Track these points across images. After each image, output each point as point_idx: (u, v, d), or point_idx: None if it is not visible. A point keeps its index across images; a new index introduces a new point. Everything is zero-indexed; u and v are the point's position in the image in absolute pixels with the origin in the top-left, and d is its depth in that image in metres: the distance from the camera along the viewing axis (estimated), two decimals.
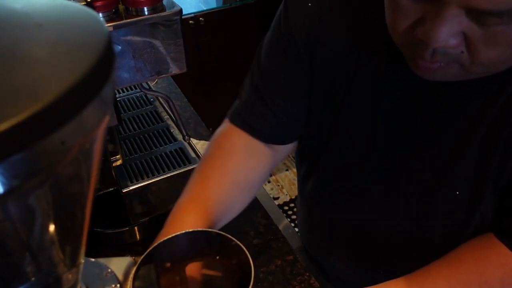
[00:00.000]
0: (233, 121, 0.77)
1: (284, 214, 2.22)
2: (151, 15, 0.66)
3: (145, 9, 0.66)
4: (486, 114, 0.60)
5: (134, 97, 1.04)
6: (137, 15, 0.66)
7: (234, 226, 0.96)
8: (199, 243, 0.78)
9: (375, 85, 0.67)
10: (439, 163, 0.65)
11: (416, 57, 0.54)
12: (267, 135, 0.77)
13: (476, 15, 0.44)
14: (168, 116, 0.97)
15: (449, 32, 0.46)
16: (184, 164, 0.83)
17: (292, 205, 2.31)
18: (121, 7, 0.67)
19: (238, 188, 0.75)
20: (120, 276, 0.64)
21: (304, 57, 0.71)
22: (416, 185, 0.69)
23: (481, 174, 0.62)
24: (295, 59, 0.72)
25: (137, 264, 0.68)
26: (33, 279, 0.35)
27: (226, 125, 0.79)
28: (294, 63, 0.72)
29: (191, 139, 0.86)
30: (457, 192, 0.64)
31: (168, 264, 0.77)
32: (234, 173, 0.74)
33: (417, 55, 0.53)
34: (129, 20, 0.65)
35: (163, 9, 0.68)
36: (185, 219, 0.68)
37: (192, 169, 0.81)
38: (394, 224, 0.74)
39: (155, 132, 0.92)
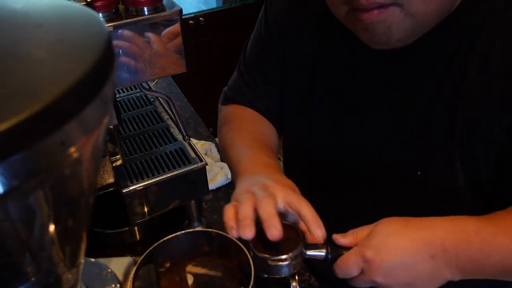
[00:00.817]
0: (232, 99, 0.90)
1: None
2: (151, 15, 0.66)
3: (145, 9, 0.66)
4: (440, 83, 0.63)
5: (134, 97, 1.04)
6: (137, 15, 0.66)
7: None
8: (199, 243, 0.78)
9: (338, 63, 0.74)
10: (408, 129, 0.68)
11: (356, 12, 0.57)
12: (261, 111, 0.87)
13: None
14: (168, 116, 0.97)
15: None
16: (184, 164, 0.83)
17: None
18: (121, 7, 0.67)
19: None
20: (120, 276, 0.64)
21: (278, 46, 0.82)
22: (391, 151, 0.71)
23: (448, 136, 0.64)
24: (271, 48, 0.83)
25: (137, 264, 0.68)
26: (33, 279, 0.35)
27: (225, 107, 0.91)
28: (271, 51, 0.83)
29: (191, 139, 0.86)
30: (432, 146, 0.66)
31: (168, 264, 0.77)
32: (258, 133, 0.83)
33: (356, 6, 0.56)
34: (129, 20, 0.65)
35: (163, 9, 0.67)
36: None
37: (192, 169, 0.82)
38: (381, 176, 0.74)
39: (155, 132, 0.92)
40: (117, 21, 0.65)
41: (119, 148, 0.83)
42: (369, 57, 0.69)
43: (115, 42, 0.66)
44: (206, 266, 0.77)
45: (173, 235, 0.75)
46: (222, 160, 1.13)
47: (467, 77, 0.61)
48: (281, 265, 0.56)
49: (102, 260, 0.65)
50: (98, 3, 0.63)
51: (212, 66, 2.25)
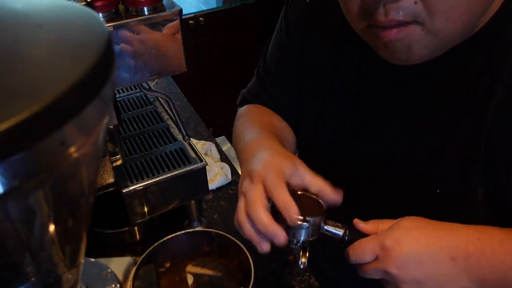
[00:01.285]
0: (251, 102, 0.89)
1: None
2: (151, 15, 0.66)
3: (145, 9, 0.66)
4: (465, 101, 0.61)
5: (134, 97, 1.04)
6: (137, 15, 0.66)
7: (234, 226, 0.96)
8: (199, 243, 0.78)
9: (356, 75, 0.72)
10: (427, 145, 0.66)
11: (375, 29, 0.55)
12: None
13: None
14: (168, 116, 0.97)
15: None
16: (184, 164, 0.83)
17: None
18: (121, 7, 0.67)
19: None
20: (120, 276, 0.64)
21: (298, 51, 0.80)
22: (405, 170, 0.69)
23: (469, 154, 0.61)
24: (291, 53, 0.82)
25: (137, 264, 0.68)
26: (33, 279, 0.35)
27: (242, 108, 0.90)
28: (291, 57, 0.82)
29: (191, 139, 0.86)
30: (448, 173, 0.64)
31: (168, 264, 0.77)
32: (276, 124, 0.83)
33: (374, 23, 0.54)
34: (129, 20, 0.65)
35: (163, 9, 0.67)
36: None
37: (192, 169, 0.82)
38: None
39: (155, 132, 0.92)
40: (117, 21, 0.65)
41: (119, 148, 0.83)
42: (389, 71, 0.66)
43: (115, 42, 0.66)
44: (206, 266, 0.77)
45: (173, 235, 0.75)
46: (222, 160, 1.13)
47: (495, 95, 0.58)
48: (300, 225, 0.55)
49: (102, 260, 0.65)
50: (98, 3, 0.63)
51: (212, 66, 2.25)
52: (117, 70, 0.68)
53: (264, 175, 0.57)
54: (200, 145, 1.13)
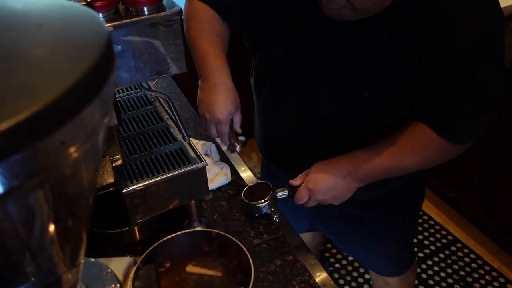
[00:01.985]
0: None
1: None
2: (151, 15, 0.66)
3: (145, 9, 0.66)
4: (378, 44, 0.82)
5: (134, 97, 1.04)
6: (137, 15, 0.66)
7: (234, 226, 0.96)
8: (199, 243, 0.78)
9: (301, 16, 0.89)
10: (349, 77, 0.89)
11: (321, 3, 0.79)
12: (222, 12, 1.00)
13: None
14: (168, 116, 0.97)
15: None
16: (184, 164, 0.83)
17: None
18: (121, 7, 0.67)
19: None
20: (120, 276, 0.64)
21: None
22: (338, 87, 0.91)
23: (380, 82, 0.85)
24: None
25: (137, 264, 0.68)
26: (33, 279, 0.35)
27: (191, 2, 1.00)
28: None
29: (191, 139, 0.86)
30: (365, 94, 0.88)
31: (168, 264, 0.77)
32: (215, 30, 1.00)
33: (321, 2, 0.79)
34: (129, 20, 0.65)
35: (163, 9, 0.68)
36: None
37: (192, 169, 0.82)
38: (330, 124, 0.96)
39: (155, 132, 0.92)
40: (117, 21, 0.65)
41: (119, 148, 0.83)
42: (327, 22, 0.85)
43: (115, 42, 0.66)
44: (206, 266, 0.77)
45: (173, 235, 0.75)
46: (222, 160, 1.13)
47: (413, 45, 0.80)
48: (262, 206, 0.93)
49: (102, 260, 0.65)
50: (98, 3, 0.63)
51: None
52: (117, 70, 0.68)
53: (219, 122, 0.92)
54: (200, 145, 1.13)
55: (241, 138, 0.97)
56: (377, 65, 0.84)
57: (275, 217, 0.95)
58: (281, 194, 0.95)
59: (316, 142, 0.99)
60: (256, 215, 0.95)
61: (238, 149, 0.96)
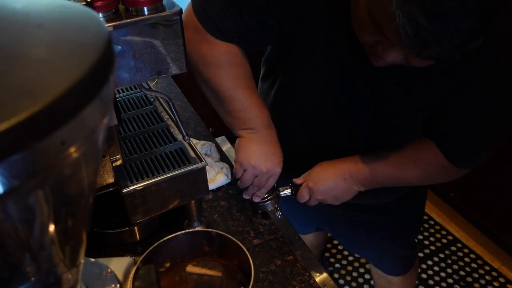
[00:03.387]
0: (210, 32, 0.82)
1: None
2: (151, 15, 0.66)
3: (145, 9, 0.66)
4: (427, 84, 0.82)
5: (134, 97, 1.03)
6: (137, 15, 0.66)
7: (234, 226, 0.96)
8: (199, 243, 0.78)
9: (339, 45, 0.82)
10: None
11: (370, 55, 0.74)
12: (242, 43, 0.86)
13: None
14: (168, 116, 0.97)
15: (396, 56, 0.69)
16: (184, 164, 0.83)
17: None
18: (121, 7, 0.67)
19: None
20: (120, 276, 0.64)
21: None
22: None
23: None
24: None
25: (137, 264, 0.68)
26: (33, 279, 0.35)
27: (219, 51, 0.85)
28: None
29: (191, 139, 0.86)
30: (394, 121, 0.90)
31: (168, 264, 0.77)
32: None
33: (371, 55, 0.74)
34: (129, 20, 0.65)
35: (163, 9, 0.67)
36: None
37: (192, 169, 0.82)
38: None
39: (155, 132, 0.92)
40: (117, 21, 0.65)
41: (119, 148, 0.83)
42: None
43: (115, 42, 0.65)
44: (206, 266, 0.77)
45: (173, 235, 0.75)
46: (222, 160, 1.13)
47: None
48: (266, 204, 0.95)
49: (102, 260, 0.65)
50: (98, 3, 0.63)
51: None
52: (117, 70, 0.68)
53: (257, 173, 0.90)
54: (200, 145, 1.13)
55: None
56: (415, 94, 0.84)
57: (278, 214, 0.97)
58: (284, 192, 0.97)
59: (324, 155, 0.98)
60: (260, 212, 0.97)
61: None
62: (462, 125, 0.84)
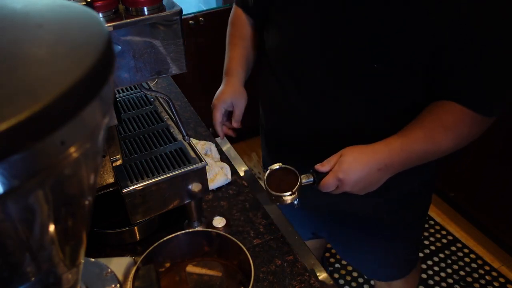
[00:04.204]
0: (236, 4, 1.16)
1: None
2: (151, 15, 0.66)
3: (145, 9, 0.66)
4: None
5: (134, 97, 1.04)
6: (137, 15, 0.66)
7: (234, 226, 0.96)
8: (199, 243, 0.78)
9: None
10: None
11: None
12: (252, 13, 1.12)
13: None
14: (168, 116, 0.97)
15: None
16: (184, 164, 0.83)
17: None
18: (121, 7, 0.67)
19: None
20: (120, 276, 0.64)
21: None
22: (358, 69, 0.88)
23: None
24: None
25: (137, 264, 0.68)
26: (33, 279, 0.35)
27: (234, 8, 1.18)
28: None
29: (191, 139, 0.86)
30: (375, 65, 0.85)
31: (168, 264, 0.77)
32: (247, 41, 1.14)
33: None
34: (129, 20, 0.65)
35: (163, 9, 0.68)
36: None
37: (192, 169, 0.82)
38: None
39: (155, 132, 0.92)
40: (117, 21, 0.65)
41: (119, 148, 0.83)
42: None
43: (115, 42, 0.66)
44: (206, 266, 0.77)
45: (173, 235, 0.75)
46: (222, 160, 1.13)
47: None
48: (288, 198, 0.86)
49: (102, 260, 0.65)
50: (98, 3, 0.63)
51: (212, 66, 2.25)
52: (117, 70, 0.68)
53: (214, 107, 1.05)
54: (200, 145, 1.13)
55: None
56: (390, 30, 0.81)
57: (296, 203, 0.88)
58: (306, 181, 0.87)
59: (327, 131, 0.97)
60: (278, 204, 0.90)
61: (222, 140, 1.03)
62: (474, 69, 0.79)
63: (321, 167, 0.87)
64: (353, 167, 0.84)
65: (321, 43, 0.90)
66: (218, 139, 1.18)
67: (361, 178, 0.85)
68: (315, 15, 0.89)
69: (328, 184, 0.86)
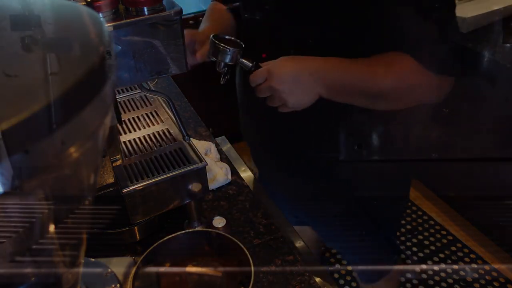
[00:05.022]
0: None
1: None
2: (151, 15, 0.66)
3: (145, 9, 0.66)
4: None
5: (134, 97, 1.04)
6: (137, 15, 0.66)
7: (234, 226, 0.96)
8: (199, 243, 0.78)
9: None
10: None
11: None
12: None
13: None
14: (168, 116, 0.97)
15: None
16: (184, 164, 0.83)
17: None
18: (121, 7, 0.67)
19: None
20: (120, 276, 0.64)
21: None
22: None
23: None
24: None
25: (137, 264, 0.68)
26: (33, 279, 0.35)
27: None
28: None
29: (191, 139, 0.86)
30: None
31: (168, 264, 0.77)
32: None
33: None
34: (129, 20, 0.65)
35: (163, 9, 0.68)
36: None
37: (192, 169, 0.82)
38: None
39: (155, 132, 0.92)
40: (117, 21, 0.65)
41: (119, 148, 0.83)
42: None
43: (115, 42, 0.66)
44: (206, 266, 0.77)
45: (173, 235, 0.75)
46: (222, 160, 1.13)
47: None
48: (226, 51, 0.85)
49: (102, 260, 0.65)
50: (98, 3, 0.63)
51: (212, 66, 2.25)
52: (117, 70, 0.68)
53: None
54: (200, 145, 1.13)
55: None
56: None
57: (223, 79, 0.92)
58: (245, 61, 0.87)
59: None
60: (213, 59, 0.89)
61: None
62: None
63: (262, 64, 0.89)
64: (285, 64, 0.86)
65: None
66: (218, 139, 1.19)
67: (291, 76, 0.84)
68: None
69: (257, 74, 0.86)
